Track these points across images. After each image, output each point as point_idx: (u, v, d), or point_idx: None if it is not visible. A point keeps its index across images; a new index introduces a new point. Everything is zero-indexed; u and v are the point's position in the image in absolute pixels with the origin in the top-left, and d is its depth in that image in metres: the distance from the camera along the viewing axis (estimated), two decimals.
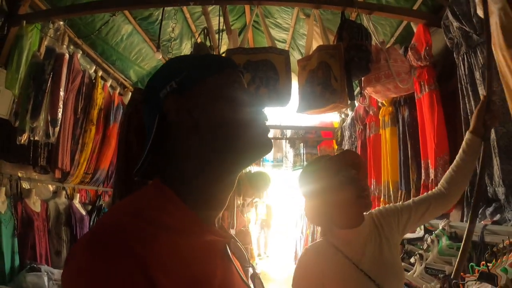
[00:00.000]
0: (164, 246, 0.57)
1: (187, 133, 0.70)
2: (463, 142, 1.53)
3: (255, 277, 0.79)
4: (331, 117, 5.48)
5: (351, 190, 1.40)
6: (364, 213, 1.50)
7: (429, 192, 1.56)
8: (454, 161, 1.53)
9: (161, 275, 0.53)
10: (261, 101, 0.69)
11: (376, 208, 1.57)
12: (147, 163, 0.75)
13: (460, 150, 1.52)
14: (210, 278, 0.63)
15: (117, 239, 0.54)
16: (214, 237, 0.70)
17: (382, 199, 3.24)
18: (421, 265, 2.09)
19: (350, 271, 1.35)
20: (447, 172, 1.54)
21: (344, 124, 4.58)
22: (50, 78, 2.72)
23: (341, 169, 1.43)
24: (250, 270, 0.79)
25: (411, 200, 1.54)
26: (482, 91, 1.97)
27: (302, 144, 6.03)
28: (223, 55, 2.99)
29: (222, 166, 0.71)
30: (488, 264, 1.60)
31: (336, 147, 5.05)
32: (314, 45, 2.60)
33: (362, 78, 2.54)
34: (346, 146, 4.46)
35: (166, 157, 0.74)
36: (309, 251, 1.47)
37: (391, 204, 1.57)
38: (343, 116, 4.84)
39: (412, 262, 2.19)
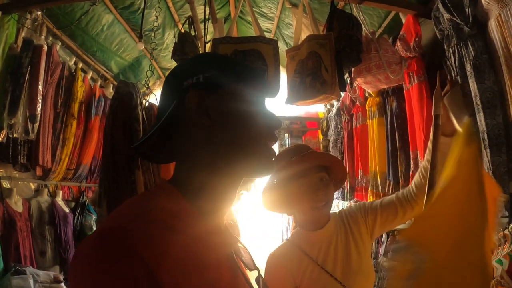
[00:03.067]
0: (170, 248, 0.57)
1: (198, 133, 0.69)
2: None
3: (260, 279, 0.79)
4: (316, 107, 5.46)
5: (307, 200, 1.37)
6: (331, 212, 1.48)
7: (399, 193, 1.46)
8: (424, 162, 1.35)
9: (166, 278, 0.53)
10: (278, 123, 0.69)
11: (347, 206, 1.54)
12: (155, 147, 0.76)
13: (427, 151, 1.31)
14: (216, 282, 0.63)
15: (122, 241, 0.53)
16: (220, 240, 0.70)
17: (370, 189, 3.27)
18: None
19: (317, 273, 1.34)
20: (417, 174, 1.40)
21: (329, 114, 4.58)
22: (28, 72, 2.59)
23: (301, 175, 1.37)
24: (255, 273, 0.79)
25: (379, 201, 1.50)
26: (472, 84, 1.99)
27: (287, 134, 5.99)
28: (209, 44, 2.92)
29: (230, 175, 0.71)
30: None
31: (321, 137, 5.05)
32: (303, 36, 2.56)
33: (352, 69, 2.52)
34: (332, 136, 4.48)
35: (173, 148, 0.74)
36: (275, 256, 1.43)
37: (360, 202, 1.55)
38: (328, 106, 4.83)
39: None
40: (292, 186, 1.38)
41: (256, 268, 0.79)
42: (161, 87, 0.77)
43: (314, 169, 1.39)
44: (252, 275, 0.79)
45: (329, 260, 1.37)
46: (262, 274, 0.82)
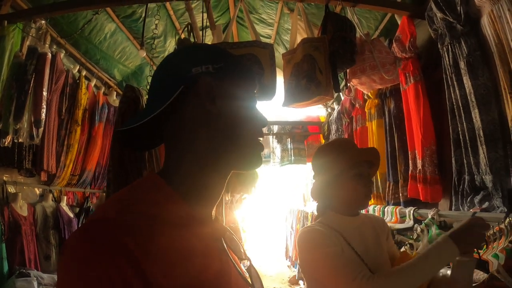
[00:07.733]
0: (158, 240, 0.57)
1: (202, 119, 0.71)
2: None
3: (251, 268, 0.79)
4: (318, 111, 5.49)
5: (361, 187, 1.47)
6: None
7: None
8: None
9: (154, 269, 0.54)
10: (266, 121, 0.76)
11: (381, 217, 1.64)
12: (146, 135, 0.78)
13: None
14: (206, 271, 0.64)
15: (108, 233, 0.54)
16: (209, 230, 0.71)
17: None
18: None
19: (348, 252, 1.39)
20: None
21: (330, 118, 4.60)
22: (33, 79, 2.66)
23: (358, 164, 1.48)
24: (246, 262, 0.80)
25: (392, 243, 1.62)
26: (466, 81, 2.01)
27: (289, 139, 6.01)
28: None
29: (222, 165, 0.73)
30: (479, 250, 1.64)
31: (323, 141, 5.07)
32: (299, 39, 2.60)
33: (347, 70, 2.55)
34: None
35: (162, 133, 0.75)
36: (309, 230, 1.46)
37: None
38: (329, 110, 4.86)
39: None
40: (351, 172, 1.47)
41: (247, 258, 0.80)
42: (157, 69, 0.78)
43: (368, 163, 1.50)
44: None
45: (360, 245, 1.42)
46: (254, 263, 0.83)
